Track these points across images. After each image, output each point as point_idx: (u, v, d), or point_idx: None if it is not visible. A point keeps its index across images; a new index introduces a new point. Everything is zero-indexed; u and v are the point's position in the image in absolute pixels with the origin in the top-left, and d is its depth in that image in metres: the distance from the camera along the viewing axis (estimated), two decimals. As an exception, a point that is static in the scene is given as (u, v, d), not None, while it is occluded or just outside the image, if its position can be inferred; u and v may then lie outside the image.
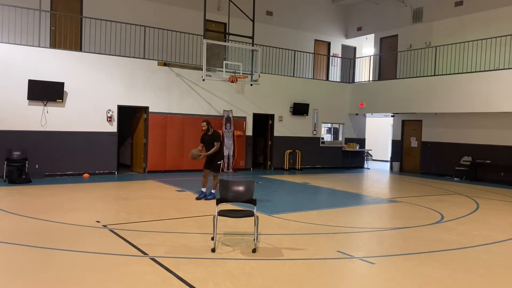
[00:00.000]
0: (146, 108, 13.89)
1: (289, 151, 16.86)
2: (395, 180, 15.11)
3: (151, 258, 5.10)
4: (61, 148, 12.44)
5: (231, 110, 15.40)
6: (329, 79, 19.61)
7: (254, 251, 5.47)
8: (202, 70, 12.53)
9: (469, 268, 5.22)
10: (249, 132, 15.97)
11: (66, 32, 13.48)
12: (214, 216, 5.60)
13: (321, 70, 19.87)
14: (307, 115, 17.26)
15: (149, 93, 13.86)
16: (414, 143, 17.36)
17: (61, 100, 12.29)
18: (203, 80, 12.79)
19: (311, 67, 18.95)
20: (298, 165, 16.99)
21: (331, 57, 20.01)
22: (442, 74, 15.22)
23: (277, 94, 16.52)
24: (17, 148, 11.70)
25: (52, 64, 12.29)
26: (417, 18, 17.44)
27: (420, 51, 16.47)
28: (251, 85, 14.01)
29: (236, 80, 12.91)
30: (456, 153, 15.55)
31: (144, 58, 13.85)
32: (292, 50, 17.34)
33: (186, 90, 14.56)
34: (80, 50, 13.61)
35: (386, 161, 21.03)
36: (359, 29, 20.04)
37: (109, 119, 13.17)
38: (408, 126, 17.65)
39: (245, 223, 6.75)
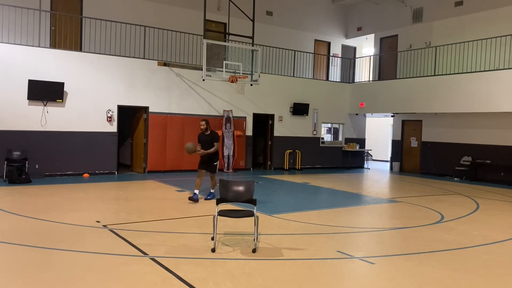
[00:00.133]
0: (146, 108, 13.89)
1: (289, 151, 16.85)
2: (395, 180, 15.11)
3: (151, 258, 5.10)
4: (61, 148, 12.44)
5: (231, 110, 15.40)
6: (329, 79, 19.60)
7: (254, 251, 5.47)
8: (202, 70, 12.53)
9: (469, 268, 5.22)
10: (249, 132, 15.97)
11: (66, 32, 13.49)
12: (214, 216, 5.60)
13: (321, 70, 19.86)
14: (307, 115, 17.26)
15: (149, 93, 13.86)
16: (414, 143, 17.36)
17: (61, 100, 12.29)
18: (203, 80, 12.79)
19: (311, 67, 18.94)
20: (298, 165, 16.98)
21: (331, 57, 20.00)
22: (442, 74, 15.21)
23: (277, 94, 16.52)
24: (17, 148, 11.70)
25: (52, 64, 12.29)
26: (417, 18, 17.43)
27: (420, 51, 16.47)
28: (251, 85, 14.02)
29: (236, 80, 12.91)
30: (456, 153, 15.55)
31: (144, 58, 13.85)
32: (292, 50, 17.34)
33: (186, 90, 14.56)
34: (80, 50, 13.61)
35: (386, 161, 21.03)
36: (359, 29, 20.03)
37: (109, 119, 13.17)
38: (408, 126, 17.64)
39: (245, 223, 6.75)
